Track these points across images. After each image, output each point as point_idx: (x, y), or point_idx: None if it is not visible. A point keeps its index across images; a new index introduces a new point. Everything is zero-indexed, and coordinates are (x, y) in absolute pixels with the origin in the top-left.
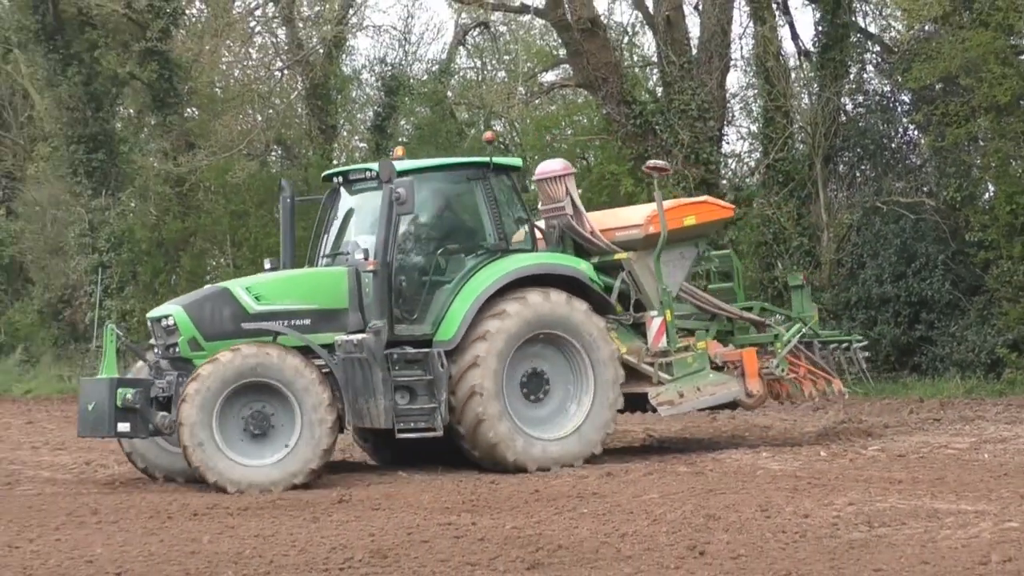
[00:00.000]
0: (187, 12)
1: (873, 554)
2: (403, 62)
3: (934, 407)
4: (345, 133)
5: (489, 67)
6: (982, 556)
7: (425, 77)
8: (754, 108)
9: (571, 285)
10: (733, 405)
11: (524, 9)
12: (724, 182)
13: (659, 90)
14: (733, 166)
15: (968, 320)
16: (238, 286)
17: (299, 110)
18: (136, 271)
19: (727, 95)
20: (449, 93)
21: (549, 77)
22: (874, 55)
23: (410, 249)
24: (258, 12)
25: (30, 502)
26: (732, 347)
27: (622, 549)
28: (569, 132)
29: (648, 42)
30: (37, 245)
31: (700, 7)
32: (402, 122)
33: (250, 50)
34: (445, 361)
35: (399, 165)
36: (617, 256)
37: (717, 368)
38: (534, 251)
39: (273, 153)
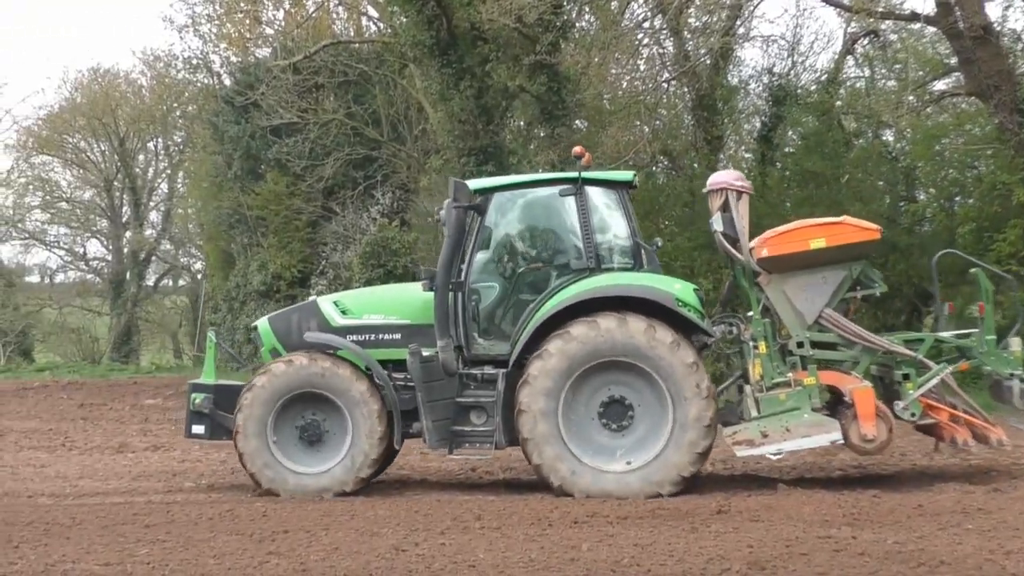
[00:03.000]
0: (576, 25)
1: None
2: (791, 72)
3: None
4: (731, 144)
5: (878, 76)
6: None
7: (813, 87)
8: None
9: (662, 309)
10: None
11: (914, 17)
12: None
13: None
14: None
15: None
16: (327, 299)
17: (685, 121)
18: None
19: None
20: (837, 102)
21: (939, 86)
22: None
23: (494, 267)
24: (646, 24)
25: (418, 506)
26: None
27: (1007, 567)
28: (960, 141)
29: None
30: (429, 255)
31: None
32: (788, 132)
33: (638, 62)
34: (503, 383)
35: (488, 182)
36: (759, 278)
37: (847, 405)
38: (635, 271)
39: (658, 164)
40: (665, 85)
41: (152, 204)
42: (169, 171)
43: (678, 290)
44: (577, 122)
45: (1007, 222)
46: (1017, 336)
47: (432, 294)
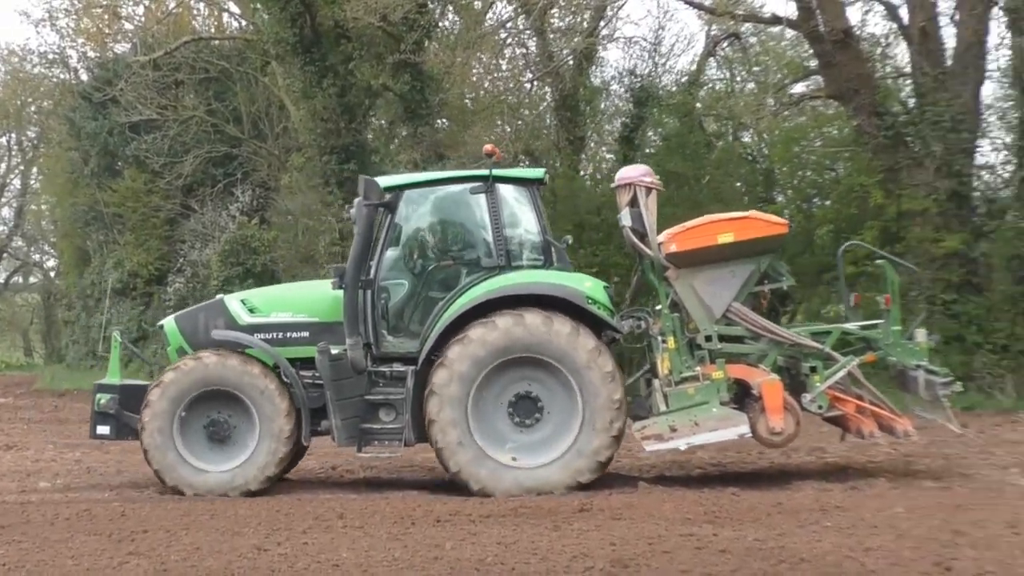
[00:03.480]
0: (440, 24)
1: None
2: (652, 73)
3: None
4: (593, 144)
5: (739, 78)
6: None
7: (674, 88)
8: (1010, 120)
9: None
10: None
11: (776, 20)
12: (976, 194)
13: (911, 101)
14: (987, 178)
15: None
16: (234, 298)
17: (548, 121)
18: None
19: (982, 106)
20: (698, 104)
21: (799, 88)
22: None
23: (404, 265)
24: (509, 24)
25: (279, 506)
26: (773, 376)
27: (866, 563)
28: (818, 144)
29: (902, 53)
30: (289, 254)
31: (956, 18)
32: (649, 133)
33: (500, 61)
34: (411, 380)
35: (398, 179)
36: (667, 273)
37: (755, 399)
38: (546, 268)
39: (521, 163)
40: (528, 85)
41: (4, 200)
42: (23, 167)
43: (588, 288)
44: (440, 121)
45: (864, 224)
46: (922, 327)
47: (341, 292)
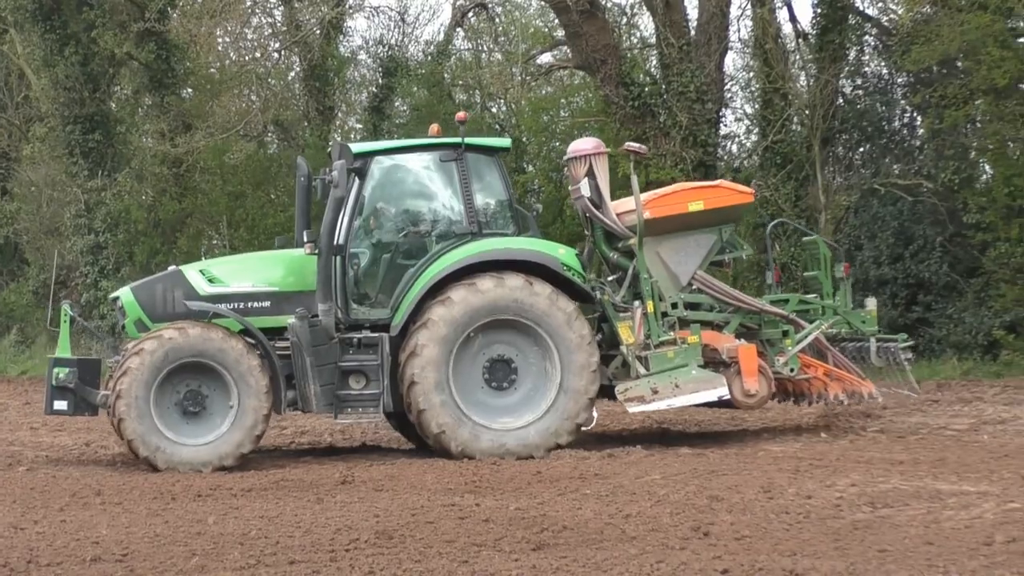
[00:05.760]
0: None
1: (877, 535)
2: (400, 43)
3: (931, 389)
4: (342, 114)
5: (486, 48)
6: (986, 537)
7: (422, 58)
8: (752, 90)
9: (548, 272)
10: (730, 404)
11: None
12: (721, 164)
13: (657, 72)
14: (731, 148)
15: (965, 302)
16: (192, 268)
17: (296, 91)
18: (132, 252)
19: (725, 77)
20: (446, 74)
21: (546, 58)
22: (873, 38)
23: (373, 232)
24: None
25: (32, 483)
26: (742, 341)
27: (627, 530)
28: (565, 114)
29: (647, 24)
30: (33, 226)
31: None
32: (398, 103)
33: (246, 31)
34: (388, 347)
35: (369, 146)
36: (630, 241)
37: (724, 364)
38: (515, 236)
39: (270, 134)
40: (276, 55)
41: None
42: None
43: (562, 254)
44: (187, 91)
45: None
46: (872, 296)
47: (303, 260)
